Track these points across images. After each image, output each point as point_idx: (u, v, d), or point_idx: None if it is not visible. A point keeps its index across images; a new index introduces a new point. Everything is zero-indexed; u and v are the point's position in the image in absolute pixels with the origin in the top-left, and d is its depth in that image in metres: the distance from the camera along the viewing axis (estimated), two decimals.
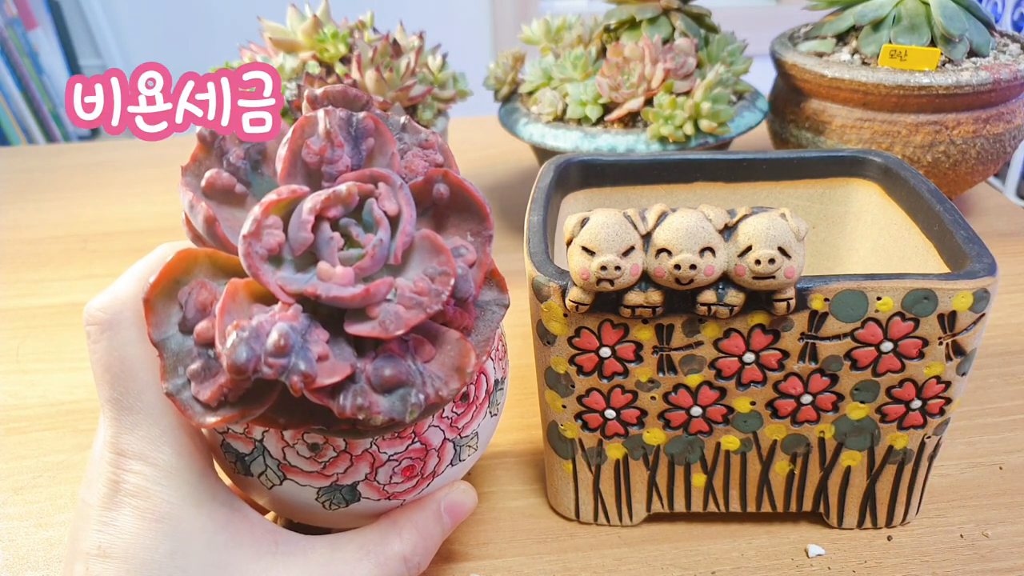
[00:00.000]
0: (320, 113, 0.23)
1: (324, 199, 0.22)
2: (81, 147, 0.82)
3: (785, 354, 0.27)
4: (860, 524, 0.32)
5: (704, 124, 0.47)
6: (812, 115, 0.51)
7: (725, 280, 0.25)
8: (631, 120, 0.49)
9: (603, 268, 0.24)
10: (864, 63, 0.49)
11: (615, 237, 0.24)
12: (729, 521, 0.33)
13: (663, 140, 0.47)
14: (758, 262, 0.24)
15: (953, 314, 0.25)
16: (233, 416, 0.21)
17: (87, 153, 0.79)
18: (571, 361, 0.28)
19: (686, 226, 0.24)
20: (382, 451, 0.25)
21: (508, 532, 0.33)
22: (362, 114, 0.23)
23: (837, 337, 0.26)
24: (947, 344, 0.26)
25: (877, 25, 0.49)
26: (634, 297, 0.25)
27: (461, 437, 0.27)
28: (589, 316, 0.27)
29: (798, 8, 0.59)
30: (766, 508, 0.32)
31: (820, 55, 0.51)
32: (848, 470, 0.30)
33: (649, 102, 0.49)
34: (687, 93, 0.48)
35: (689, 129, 0.47)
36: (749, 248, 0.24)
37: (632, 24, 0.52)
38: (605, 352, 0.27)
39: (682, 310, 0.26)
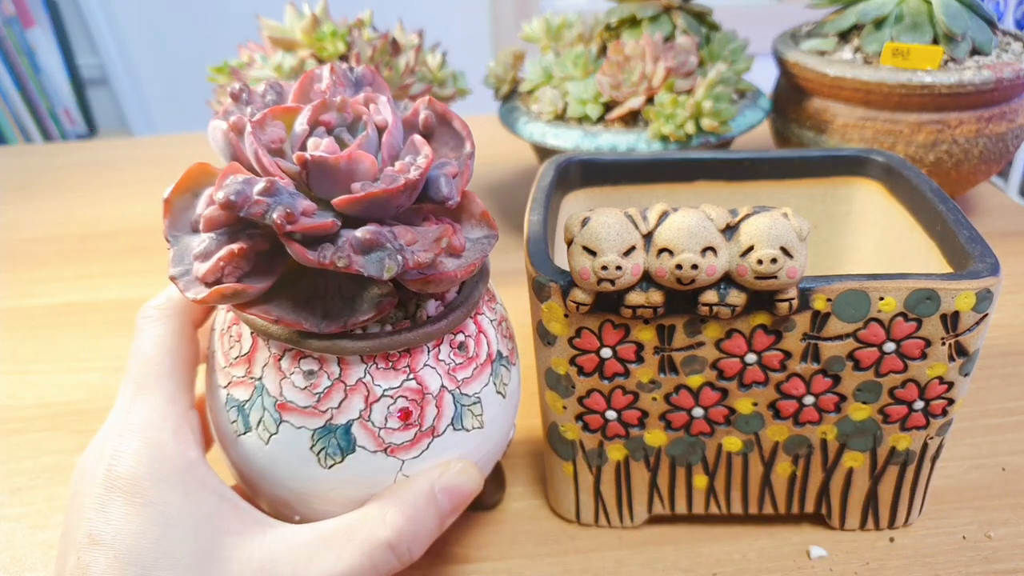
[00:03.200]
0: (325, 67, 0.26)
1: (320, 102, 0.25)
2: (79, 146, 0.81)
3: (787, 355, 0.27)
4: (862, 525, 0.32)
5: (706, 123, 0.47)
6: (814, 114, 0.51)
7: (727, 280, 0.25)
8: (632, 119, 0.49)
9: (604, 268, 0.24)
10: (866, 62, 0.49)
11: (616, 237, 0.24)
12: (731, 523, 0.33)
13: (664, 139, 0.47)
14: (760, 262, 0.23)
15: (956, 314, 0.25)
16: (228, 290, 0.22)
17: (85, 152, 0.78)
18: (572, 362, 0.28)
19: (688, 225, 0.24)
20: (376, 383, 0.25)
21: (508, 534, 0.33)
22: (361, 67, 0.27)
23: (839, 337, 0.26)
24: (950, 345, 0.26)
25: (879, 23, 0.49)
26: (635, 297, 0.25)
27: (461, 394, 0.26)
28: (590, 316, 0.26)
29: (800, 6, 0.58)
30: (768, 510, 0.32)
31: (822, 53, 0.51)
32: (850, 471, 0.30)
33: (650, 101, 0.48)
34: (688, 92, 0.48)
35: (690, 128, 0.46)
36: (751, 248, 0.24)
37: (633, 22, 0.52)
38: (606, 353, 0.27)
39: (683, 310, 0.26)
